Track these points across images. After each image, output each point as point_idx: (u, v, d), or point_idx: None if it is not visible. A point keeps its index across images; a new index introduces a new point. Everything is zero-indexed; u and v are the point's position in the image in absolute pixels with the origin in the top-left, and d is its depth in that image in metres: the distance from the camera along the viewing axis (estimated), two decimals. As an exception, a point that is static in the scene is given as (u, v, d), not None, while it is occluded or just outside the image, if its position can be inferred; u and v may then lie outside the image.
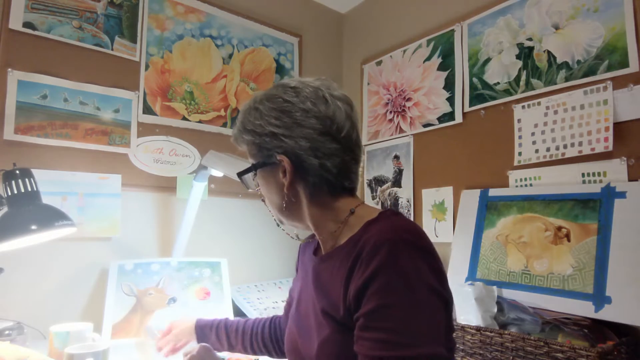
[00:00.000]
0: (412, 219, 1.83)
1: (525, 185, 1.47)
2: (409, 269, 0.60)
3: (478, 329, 1.22)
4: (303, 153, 0.72)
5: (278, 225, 0.85)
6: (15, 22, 1.35)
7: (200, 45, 1.79)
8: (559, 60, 1.43)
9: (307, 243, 0.89)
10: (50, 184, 1.33)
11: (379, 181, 2.03)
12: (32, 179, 1.05)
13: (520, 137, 1.51)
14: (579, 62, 1.37)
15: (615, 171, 1.26)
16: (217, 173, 1.38)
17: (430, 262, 0.62)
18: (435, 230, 1.74)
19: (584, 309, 1.17)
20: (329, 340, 0.68)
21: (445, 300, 0.63)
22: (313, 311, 0.74)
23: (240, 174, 0.81)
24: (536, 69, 1.49)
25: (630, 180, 1.23)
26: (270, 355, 1.04)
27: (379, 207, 1.96)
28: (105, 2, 1.55)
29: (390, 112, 2.02)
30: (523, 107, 1.51)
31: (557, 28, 1.44)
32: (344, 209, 0.76)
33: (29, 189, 1.03)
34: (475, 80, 1.67)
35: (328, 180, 0.74)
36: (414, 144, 1.88)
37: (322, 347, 0.68)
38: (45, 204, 1.07)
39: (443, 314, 0.62)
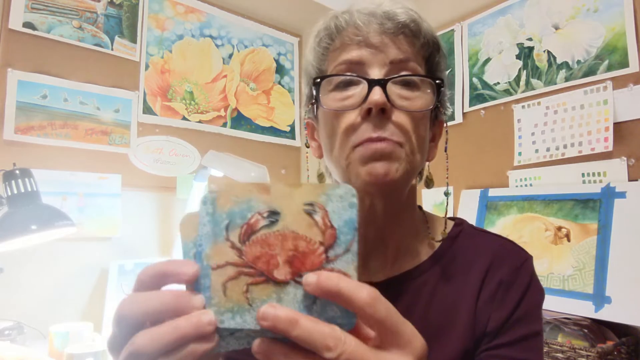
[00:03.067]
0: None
1: (525, 185, 1.47)
2: (542, 288, 0.55)
3: (478, 329, 1.22)
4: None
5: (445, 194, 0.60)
6: (15, 22, 1.35)
7: (200, 45, 1.79)
8: (559, 60, 1.43)
9: None
10: (50, 184, 1.33)
11: (379, 181, 2.02)
12: (32, 179, 1.05)
13: (520, 137, 1.51)
14: (579, 62, 1.37)
15: (615, 171, 1.26)
16: (217, 173, 1.39)
17: None
18: (435, 230, 1.74)
19: (584, 309, 1.17)
20: None
21: None
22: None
23: (440, 85, 0.52)
24: (536, 69, 1.48)
25: (630, 180, 1.23)
26: None
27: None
28: (105, 2, 1.55)
29: (390, 112, 2.02)
30: (523, 107, 1.51)
31: (557, 28, 1.44)
32: (413, 204, 0.58)
33: (29, 189, 1.03)
34: (475, 80, 1.67)
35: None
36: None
37: None
38: (45, 204, 1.07)
39: None
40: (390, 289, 0.51)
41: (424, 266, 0.54)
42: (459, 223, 0.60)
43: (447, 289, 0.53)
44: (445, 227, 0.57)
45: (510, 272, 0.53)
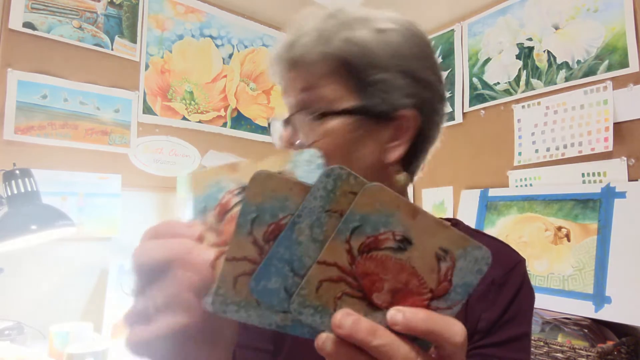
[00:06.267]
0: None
1: (525, 185, 1.47)
2: (533, 292, 0.56)
3: (478, 329, 1.22)
4: (437, 119, 0.52)
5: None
6: (15, 22, 1.35)
7: (200, 45, 1.79)
8: (559, 60, 1.43)
9: None
10: (50, 184, 1.33)
11: (379, 181, 2.02)
12: (32, 179, 1.05)
13: (520, 137, 1.51)
14: (579, 62, 1.37)
15: (615, 171, 1.26)
16: (217, 173, 1.38)
17: None
18: (435, 230, 1.74)
19: (584, 309, 1.17)
20: None
21: None
22: None
23: (322, 114, 0.47)
24: (536, 69, 1.48)
25: (630, 180, 1.23)
26: None
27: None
28: (105, 2, 1.55)
29: (390, 112, 2.02)
30: (523, 107, 1.51)
31: (557, 28, 1.44)
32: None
33: (29, 189, 1.03)
34: (475, 80, 1.67)
35: (425, 157, 0.55)
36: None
37: None
38: (45, 204, 1.07)
39: None
40: None
41: None
42: (455, 223, 0.59)
43: None
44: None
45: (502, 273, 0.53)
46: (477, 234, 0.59)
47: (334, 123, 0.47)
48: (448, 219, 0.60)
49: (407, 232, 0.27)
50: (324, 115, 0.47)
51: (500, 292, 0.52)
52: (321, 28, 0.48)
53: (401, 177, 0.51)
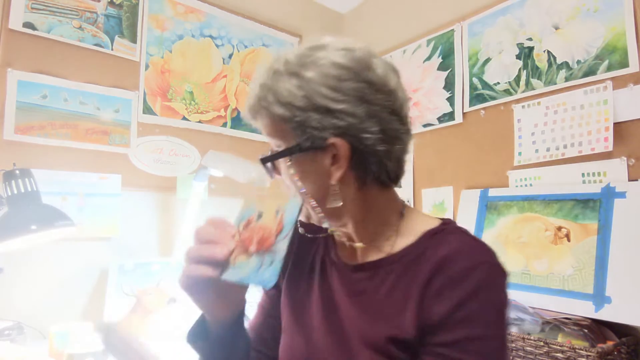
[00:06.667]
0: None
1: (525, 185, 1.47)
2: (502, 299, 0.54)
3: (478, 329, 1.22)
4: (370, 136, 0.57)
5: (323, 227, 0.66)
6: (15, 22, 1.35)
7: (200, 45, 1.79)
8: (559, 60, 1.43)
9: (308, 237, 0.70)
10: (50, 184, 1.33)
11: (379, 181, 2.02)
12: (32, 179, 1.05)
13: (520, 137, 1.51)
14: (579, 62, 1.37)
15: (615, 171, 1.26)
16: (217, 173, 1.39)
17: (507, 295, 0.56)
18: (435, 230, 1.74)
19: (584, 309, 1.17)
20: None
21: None
22: (354, 333, 0.60)
23: (267, 159, 0.62)
24: (536, 69, 1.48)
25: (630, 180, 1.23)
26: None
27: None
28: (105, 2, 1.55)
29: (390, 112, 2.02)
30: (523, 107, 1.51)
31: (557, 28, 1.44)
32: (391, 209, 0.65)
33: (29, 189, 1.03)
34: (475, 80, 1.67)
35: (387, 170, 0.60)
36: (414, 144, 1.88)
37: None
38: (45, 204, 1.07)
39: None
40: (364, 269, 0.63)
41: (394, 257, 0.61)
42: (446, 222, 0.63)
43: (407, 278, 0.58)
44: (400, 219, 0.65)
45: (461, 270, 0.54)
46: (459, 233, 0.61)
47: (288, 160, 0.60)
48: (443, 219, 0.64)
49: (260, 210, 0.56)
50: (274, 157, 0.61)
51: (455, 287, 0.53)
52: (262, 84, 0.60)
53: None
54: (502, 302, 0.54)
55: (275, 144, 0.62)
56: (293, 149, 0.58)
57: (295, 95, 0.56)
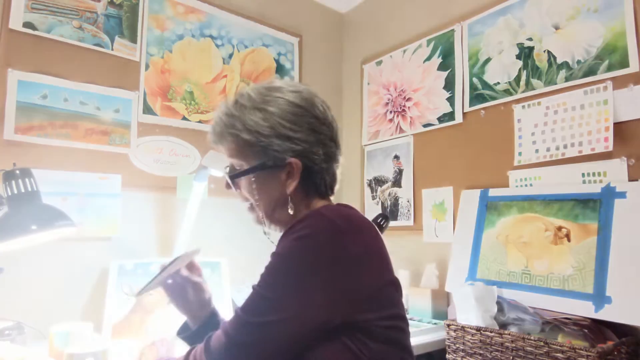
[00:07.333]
0: (412, 219, 1.84)
1: (525, 185, 1.47)
2: (295, 255, 0.65)
3: (478, 329, 1.22)
4: (317, 157, 0.75)
5: (265, 233, 0.82)
6: (16, 22, 1.35)
7: (200, 45, 1.79)
8: (559, 60, 1.43)
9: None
10: (50, 184, 1.33)
11: (379, 181, 2.02)
12: (32, 179, 1.05)
13: (520, 137, 1.51)
14: (579, 62, 1.37)
15: (615, 171, 1.26)
16: (217, 173, 1.38)
17: (323, 249, 0.64)
18: (435, 230, 1.74)
19: (584, 309, 1.17)
20: None
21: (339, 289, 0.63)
22: None
23: (237, 175, 0.77)
24: (536, 69, 1.49)
25: (630, 180, 1.23)
26: None
27: (378, 207, 1.96)
28: (105, 2, 1.55)
29: (390, 112, 2.02)
30: (523, 107, 1.51)
31: (557, 28, 1.44)
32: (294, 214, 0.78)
33: (29, 189, 1.03)
34: (475, 80, 1.67)
35: (326, 183, 0.78)
36: (414, 144, 1.88)
37: None
38: (45, 204, 1.07)
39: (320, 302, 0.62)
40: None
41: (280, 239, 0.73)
42: (323, 207, 0.73)
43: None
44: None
45: (280, 240, 0.68)
46: (319, 212, 0.69)
47: (250, 177, 0.76)
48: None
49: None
50: (243, 174, 0.76)
51: (270, 257, 0.67)
52: (228, 114, 0.76)
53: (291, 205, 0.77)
54: (286, 259, 0.66)
55: (237, 164, 0.77)
56: (258, 166, 0.74)
57: (261, 125, 0.73)
